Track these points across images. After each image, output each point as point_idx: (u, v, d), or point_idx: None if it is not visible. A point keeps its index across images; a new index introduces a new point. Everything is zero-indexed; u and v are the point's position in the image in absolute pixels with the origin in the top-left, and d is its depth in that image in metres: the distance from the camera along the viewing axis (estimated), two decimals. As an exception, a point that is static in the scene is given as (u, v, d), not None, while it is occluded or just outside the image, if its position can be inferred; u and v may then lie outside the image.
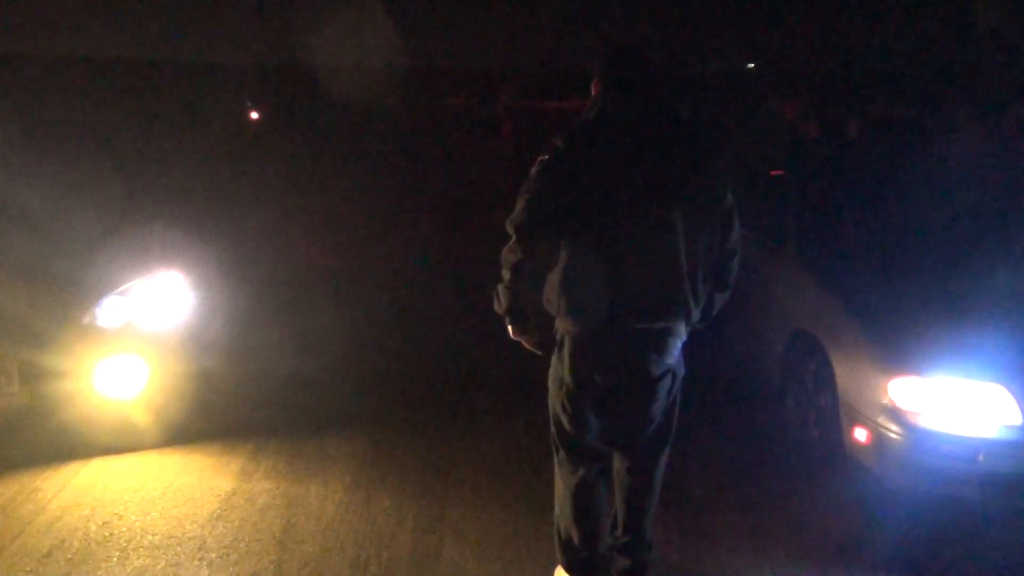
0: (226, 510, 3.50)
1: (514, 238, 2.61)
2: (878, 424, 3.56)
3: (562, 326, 2.72)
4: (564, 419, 2.82)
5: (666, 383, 2.79)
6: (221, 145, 6.88)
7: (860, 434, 3.66)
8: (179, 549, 3.21)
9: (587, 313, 2.63)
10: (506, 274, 2.67)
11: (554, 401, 2.85)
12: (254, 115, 12.40)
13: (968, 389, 3.42)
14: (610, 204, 2.56)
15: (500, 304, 2.73)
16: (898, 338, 3.65)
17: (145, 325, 4.14)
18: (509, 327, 2.77)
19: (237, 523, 3.40)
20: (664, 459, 2.97)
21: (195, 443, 4.13)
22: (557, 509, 2.95)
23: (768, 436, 4.39)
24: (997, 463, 3.32)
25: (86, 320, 3.98)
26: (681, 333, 2.73)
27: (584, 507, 2.87)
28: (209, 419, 4.33)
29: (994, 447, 3.33)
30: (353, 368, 5.18)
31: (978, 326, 3.52)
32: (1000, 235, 4.07)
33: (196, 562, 3.13)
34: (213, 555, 3.17)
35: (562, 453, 2.90)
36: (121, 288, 4.10)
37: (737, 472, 4.10)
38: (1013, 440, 3.32)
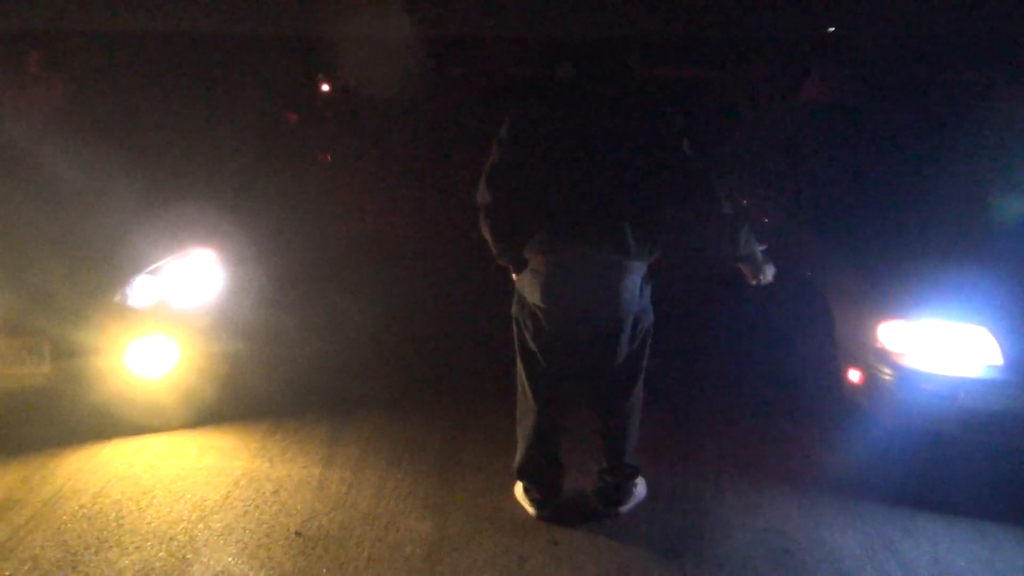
0: (243, 493, 3.50)
1: (483, 183, 3.04)
2: (870, 365, 3.74)
3: (534, 263, 3.06)
4: (528, 336, 3.16)
5: (627, 323, 3.07)
6: (272, 120, 6.61)
7: (854, 375, 3.86)
8: (190, 533, 3.20)
9: (546, 247, 2.99)
10: (481, 213, 3.10)
11: (523, 323, 3.17)
12: (325, 88, 12.10)
13: (952, 331, 3.57)
14: (566, 165, 2.95)
15: (486, 238, 3.15)
16: (888, 283, 3.82)
17: (176, 305, 4.06)
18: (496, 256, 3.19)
19: (250, 506, 3.40)
20: (634, 399, 3.28)
21: (220, 424, 4.09)
22: (517, 425, 3.36)
23: (773, 376, 4.63)
24: (977, 401, 3.48)
25: (117, 299, 3.92)
26: (631, 268, 3.00)
27: (537, 429, 3.26)
28: (237, 400, 4.27)
29: (974, 386, 3.49)
30: (380, 352, 5.10)
31: (963, 271, 3.66)
32: (988, 188, 4.20)
33: (197, 555, 3.08)
34: (215, 549, 3.13)
35: (524, 375, 3.25)
36: (153, 267, 4.03)
37: (740, 409, 4.36)
38: (993, 379, 3.47)
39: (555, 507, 3.36)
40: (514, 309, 3.23)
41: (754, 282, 3.23)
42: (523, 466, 3.36)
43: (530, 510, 3.37)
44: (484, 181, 3.05)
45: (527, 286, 3.09)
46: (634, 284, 3.02)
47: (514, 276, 3.20)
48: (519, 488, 3.45)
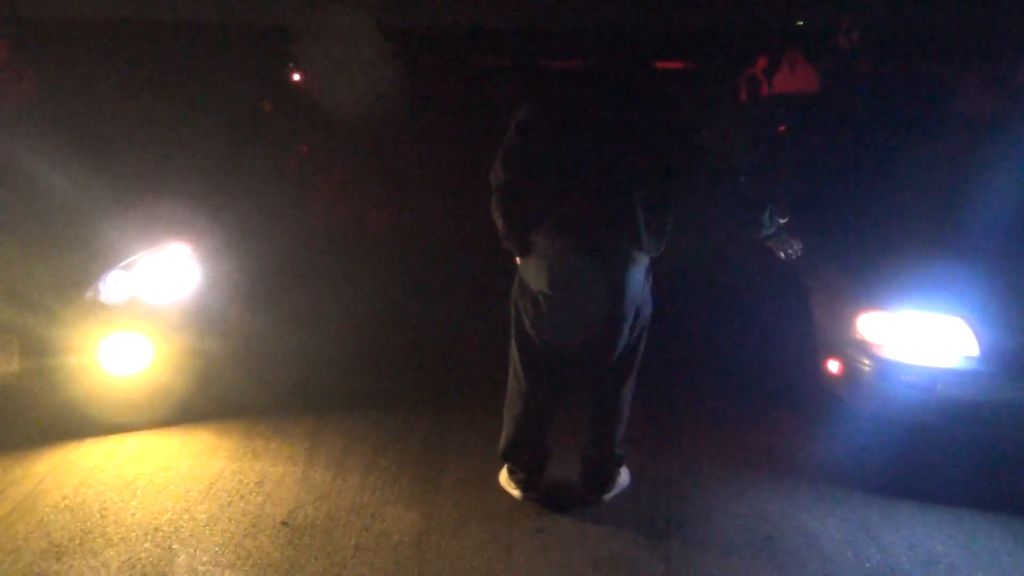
0: (227, 484, 3.47)
1: (498, 163, 3.07)
2: (849, 356, 3.80)
3: (540, 246, 3.07)
4: (528, 323, 3.18)
5: (629, 313, 3.10)
6: (246, 111, 6.40)
7: (833, 366, 3.91)
8: (174, 524, 3.18)
9: (556, 233, 3.02)
10: (494, 193, 3.12)
11: (523, 308, 3.19)
12: (296, 77, 11.86)
13: (930, 322, 3.64)
14: (577, 155, 2.99)
15: (496, 219, 3.16)
16: (866, 276, 3.89)
17: (150, 300, 3.96)
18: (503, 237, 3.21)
19: (234, 496, 3.38)
20: (628, 389, 3.32)
21: (195, 422, 4.00)
22: (505, 408, 3.38)
23: (754, 367, 4.68)
24: (954, 391, 3.54)
25: (89, 295, 3.81)
26: (638, 260, 3.05)
27: (527, 414, 3.30)
28: (215, 397, 4.20)
29: (951, 376, 3.55)
30: (360, 345, 5.05)
31: (940, 264, 3.73)
32: (964, 180, 4.28)
33: (184, 545, 3.06)
34: (201, 539, 3.10)
35: (519, 360, 3.28)
36: (126, 262, 3.92)
37: (721, 399, 4.42)
38: (969, 370, 3.54)
39: (540, 490, 3.39)
40: (514, 293, 3.24)
41: (783, 256, 3.36)
42: (508, 449, 3.39)
43: (515, 493, 3.40)
44: (499, 161, 3.07)
45: (532, 271, 3.10)
46: (640, 275, 3.07)
47: (518, 260, 3.22)
48: (504, 473, 3.48)
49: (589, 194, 2.99)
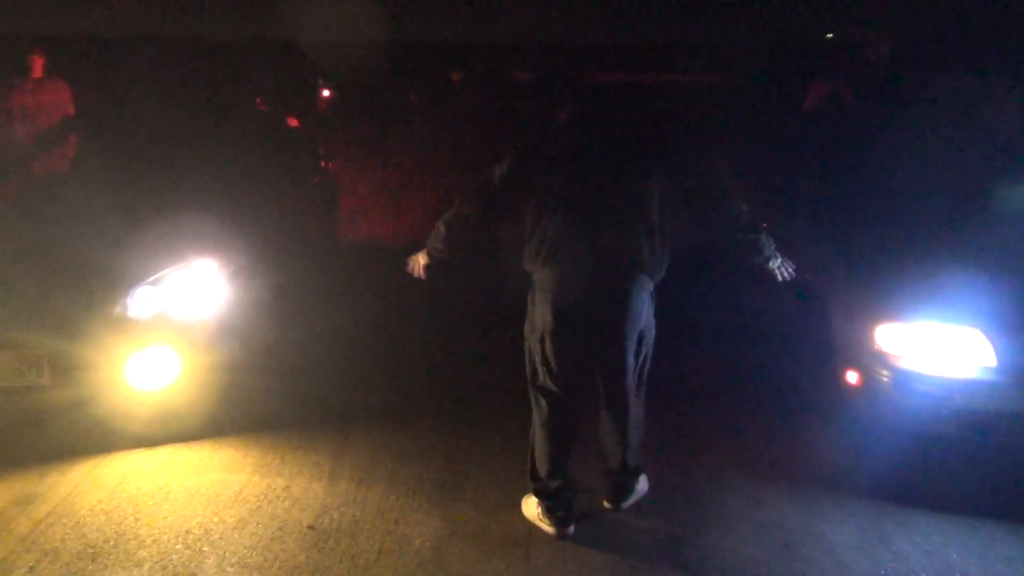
0: (255, 488, 3.56)
1: (476, 197, 3.19)
2: (867, 367, 3.84)
3: (540, 278, 3.17)
4: (539, 361, 3.25)
5: (632, 336, 3.18)
6: (273, 127, 6.46)
7: (851, 376, 3.95)
8: (205, 527, 3.26)
9: (562, 269, 3.10)
10: (454, 218, 3.25)
11: (532, 346, 3.27)
12: (325, 93, 11.92)
13: (947, 333, 3.67)
14: (581, 185, 3.09)
15: (436, 236, 3.31)
16: (884, 287, 3.92)
17: (178, 316, 4.01)
18: (424, 257, 3.41)
19: (263, 500, 3.46)
20: (635, 408, 3.34)
21: (222, 435, 4.07)
22: (531, 443, 3.36)
23: (773, 377, 4.73)
24: (971, 401, 3.57)
25: (117, 311, 3.86)
26: (642, 284, 3.14)
27: (553, 446, 3.28)
28: (239, 411, 4.26)
29: (969, 387, 3.58)
30: (383, 358, 5.15)
31: (957, 275, 3.75)
32: (983, 191, 4.31)
33: (214, 548, 3.13)
34: (230, 542, 3.17)
35: (537, 393, 3.31)
36: (153, 277, 3.98)
37: (740, 409, 4.48)
38: (987, 380, 3.57)
39: (573, 521, 3.31)
40: (525, 330, 3.32)
41: (780, 278, 3.40)
42: (538, 477, 3.32)
43: (551, 530, 3.27)
44: (497, 174, 3.16)
45: (537, 307, 3.19)
46: (644, 300, 3.16)
47: (421, 262, 3.41)
48: (531, 507, 3.38)
49: (591, 221, 3.08)
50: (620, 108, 3.23)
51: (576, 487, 3.34)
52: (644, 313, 3.18)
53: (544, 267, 3.14)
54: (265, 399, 4.46)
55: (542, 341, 3.20)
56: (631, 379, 3.27)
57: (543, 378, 3.26)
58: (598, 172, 3.09)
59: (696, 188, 3.16)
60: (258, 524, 3.32)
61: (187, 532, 3.26)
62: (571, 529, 3.28)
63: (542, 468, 3.31)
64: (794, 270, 3.42)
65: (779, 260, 3.37)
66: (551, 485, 3.29)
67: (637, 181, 3.08)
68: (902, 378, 3.69)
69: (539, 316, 3.19)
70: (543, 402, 3.28)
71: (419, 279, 3.50)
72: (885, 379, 3.75)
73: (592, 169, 3.09)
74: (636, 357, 3.25)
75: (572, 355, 3.19)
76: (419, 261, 3.46)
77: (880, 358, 3.78)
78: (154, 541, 3.20)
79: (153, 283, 4.00)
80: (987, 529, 3.38)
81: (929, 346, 3.68)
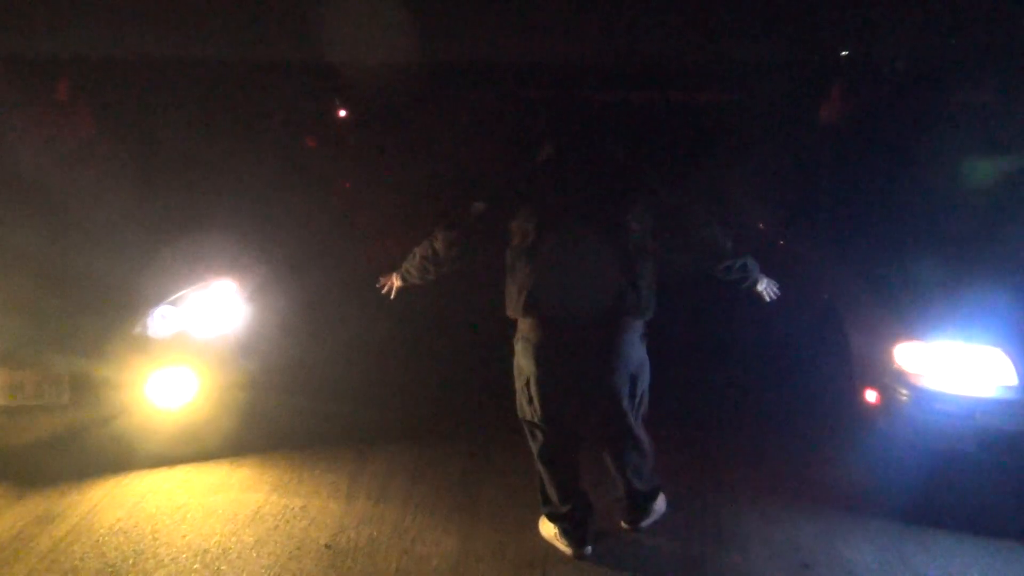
0: (273, 508, 3.57)
1: (452, 237, 3.17)
2: (886, 386, 3.82)
3: (523, 327, 3.14)
4: (526, 401, 3.22)
5: (623, 382, 3.12)
6: (291, 147, 6.57)
7: (871, 395, 3.93)
8: (223, 546, 3.27)
9: (543, 313, 3.05)
10: (428, 251, 3.27)
11: (520, 389, 3.24)
12: (342, 113, 11.95)
13: (968, 352, 3.64)
14: (558, 232, 3.03)
15: (411, 263, 3.35)
16: (904, 306, 3.90)
17: (197, 335, 4.04)
18: (397, 280, 3.45)
19: (280, 520, 3.48)
20: (638, 440, 3.28)
21: (241, 454, 4.09)
22: (537, 469, 3.34)
23: (792, 396, 4.71)
24: (992, 421, 3.54)
25: (137, 330, 3.90)
26: (630, 327, 3.09)
27: (556, 474, 3.27)
28: (257, 430, 4.28)
29: (990, 406, 3.55)
30: (399, 379, 5.18)
31: (978, 293, 3.73)
32: (1004, 210, 4.28)
33: (232, 567, 3.14)
34: (248, 561, 3.19)
35: (531, 431, 3.29)
36: (173, 297, 4.02)
37: (759, 428, 4.46)
38: (1008, 399, 3.53)
39: (590, 541, 3.31)
40: (514, 371, 3.27)
41: (767, 299, 3.39)
42: (549, 502, 3.32)
43: (568, 551, 3.26)
44: (472, 214, 3.14)
45: (520, 354, 3.16)
46: (633, 342, 3.11)
47: (395, 284, 3.45)
48: (549, 528, 3.37)
49: (571, 269, 3.01)
50: (601, 144, 3.17)
51: (591, 507, 3.33)
52: (634, 356, 3.12)
53: (525, 317, 3.10)
54: (283, 418, 4.49)
55: (528, 386, 3.17)
56: (628, 420, 3.20)
57: (531, 416, 3.23)
58: (575, 217, 3.02)
59: (676, 217, 3.13)
60: (275, 543, 3.33)
61: (205, 551, 3.27)
62: (588, 550, 3.26)
63: (552, 494, 3.31)
64: (778, 289, 3.41)
65: (764, 283, 3.35)
66: (563, 509, 3.28)
67: (618, 219, 3.01)
68: (922, 397, 3.67)
69: (524, 364, 3.15)
70: (538, 435, 3.26)
71: (388, 296, 3.55)
72: (905, 398, 3.72)
73: (569, 214, 3.02)
74: (632, 399, 3.19)
75: (560, 402, 3.16)
76: (393, 283, 3.48)
77: (900, 377, 3.76)
78: (172, 560, 3.21)
79: (173, 303, 4.03)
80: (1008, 550, 3.34)
81: (949, 365, 3.65)
